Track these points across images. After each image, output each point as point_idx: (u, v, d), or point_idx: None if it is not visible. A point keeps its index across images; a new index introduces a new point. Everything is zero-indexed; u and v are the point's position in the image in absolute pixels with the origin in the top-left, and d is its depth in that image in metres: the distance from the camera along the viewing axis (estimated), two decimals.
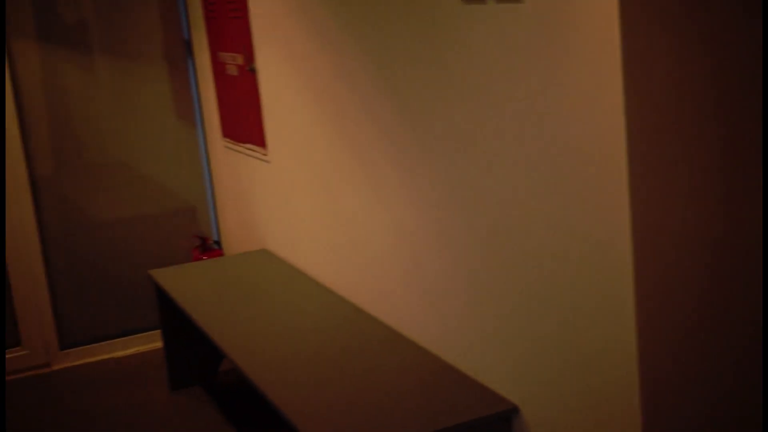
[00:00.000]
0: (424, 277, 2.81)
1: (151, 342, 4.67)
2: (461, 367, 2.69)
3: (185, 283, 3.85)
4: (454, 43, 2.39)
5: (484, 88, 2.30)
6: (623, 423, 2.02)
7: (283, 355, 2.97)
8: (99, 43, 4.55)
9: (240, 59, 4.05)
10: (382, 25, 2.77)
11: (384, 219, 3.00)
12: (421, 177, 2.71)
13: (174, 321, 4.02)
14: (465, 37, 2.33)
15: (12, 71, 4.33)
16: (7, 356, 4.46)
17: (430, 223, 2.71)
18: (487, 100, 2.29)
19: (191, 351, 4.10)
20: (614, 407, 2.04)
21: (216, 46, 4.33)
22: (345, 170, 3.23)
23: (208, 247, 4.64)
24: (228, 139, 4.44)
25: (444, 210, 2.61)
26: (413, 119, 2.69)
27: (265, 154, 4.00)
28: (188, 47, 4.70)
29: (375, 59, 2.85)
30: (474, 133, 2.38)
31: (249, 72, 3.97)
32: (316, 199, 3.55)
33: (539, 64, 2.06)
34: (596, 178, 1.95)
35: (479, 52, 2.29)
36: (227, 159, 4.53)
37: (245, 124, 4.16)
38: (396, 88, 2.75)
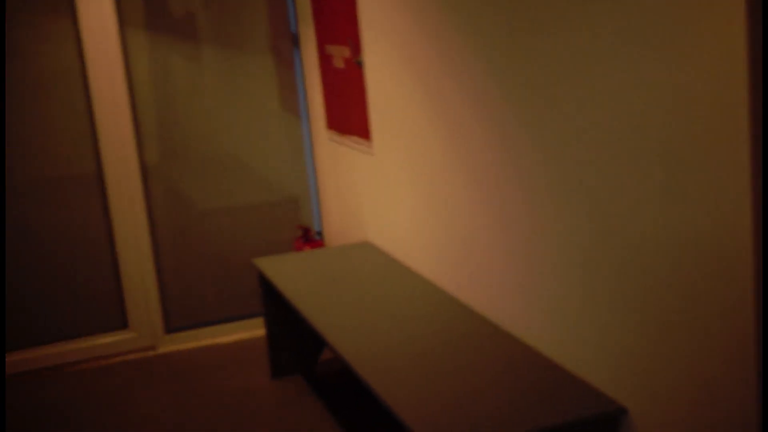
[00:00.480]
0: (533, 275, 2.78)
1: (254, 329, 4.76)
2: (567, 365, 2.66)
3: (289, 272, 3.91)
4: (567, 34, 2.36)
5: (600, 78, 2.26)
6: (741, 427, 1.97)
7: (387, 346, 2.99)
8: (207, 35, 4.64)
9: (347, 52, 4.08)
10: (493, 17, 2.75)
11: (490, 215, 2.99)
12: (532, 173, 2.68)
13: (277, 309, 4.09)
14: (579, 26, 2.30)
15: (126, 62, 4.45)
16: (114, 338, 4.59)
17: (541, 220, 2.69)
18: (603, 90, 2.26)
19: (293, 340, 4.16)
20: (731, 409, 1.99)
21: (323, 39, 4.37)
22: (450, 165, 3.22)
23: (311, 238, 4.70)
24: (332, 131, 4.48)
25: (555, 207, 2.59)
26: (524, 115, 2.66)
27: (369, 147, 4.02)
28: (295, 40, 4.75)
29: (486, 54, 2.84)
30: (585, 127, 2.35)
31: (356, 65, 3.99)
32: (419, 193, 3.55)
33: (663, 55, 2.02)
34: (717, 176, 1.90)
35: (596, 41, 2.25)
36: (331, 151, 4.57)
37: (350, 116, 4.19)
38: (507, 84, 2.73)
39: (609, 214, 2.31)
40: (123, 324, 4.64)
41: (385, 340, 3.05)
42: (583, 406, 2.42)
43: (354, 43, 3.97)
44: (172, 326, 4.72)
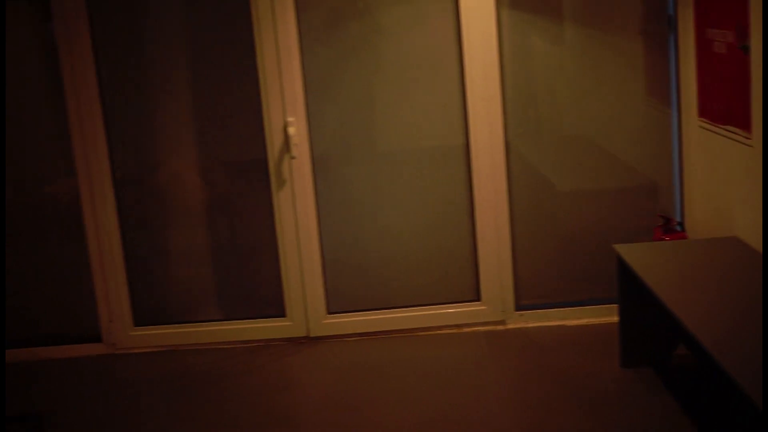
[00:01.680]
0: None
1: (605, 315, 4.69)
2: None
3: (651, 261, 3.81)
4: None
5: None
6: None
7: (758, 346, 2.83)
8: (577, 14, 4.62)
9: (730, 36, 3.88)
10: None
11: None
12: None
13: (633, 297, 4.00)
14: None
15: (499, 40, 4.53)
16: (466, 309, 4.74)
17: None
18: None
19: (648, 330, 4.06)
20: None
21: (704, 22, 4.19)
22: None
23: (672, 228, 4.55)
24: (704, 120, 4.29)
25: None
26: None
27: (747, 138, 3.80)
28: (671, 22, 4.59)
29: None
30: None
31: (740, 50, 3.79)
32: None
33: None
34: None
35: None
36: (701, 139, 4.38)
37: (728, 105, 3.99)
38: None
39: None
40: (476, 296, 4.77)
41: (758, 341, 2.88)
42: None
43: (741, 27, 3.76)
44: (521, 303, 4.78)
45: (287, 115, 4.57)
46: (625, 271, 3.98)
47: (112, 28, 4.62)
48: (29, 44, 4.75)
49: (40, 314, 4.93)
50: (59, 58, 4.56)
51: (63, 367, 4.69)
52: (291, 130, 4.55)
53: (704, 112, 4.29)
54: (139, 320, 4.84)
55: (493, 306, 4.75)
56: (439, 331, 4.74)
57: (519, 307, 4.78)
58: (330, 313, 4.78)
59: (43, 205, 4.88)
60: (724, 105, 4.04)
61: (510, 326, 4.76)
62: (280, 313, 4.78)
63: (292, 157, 4.58)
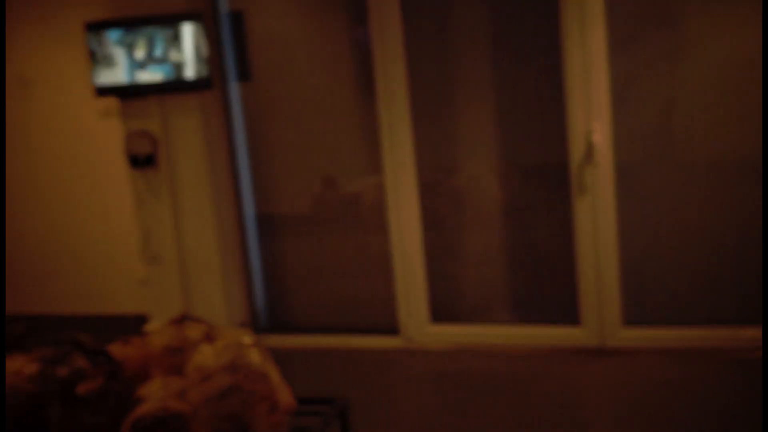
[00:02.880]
0: None
1: None
2: None
3: None
4: None
5: None
6: None
7: None
8: None
9: None
10: None
11: None
12: None
13: None
14: None
15: None
16: None
17: None
18: None
19: None
20: None
21: None
22: None
23: None
24: None
25: None
26: None
27: None
28: None
29: None
30: None
31: None
32: None
33: None
34: None
35: None
36: None
37: None
38: None
39: None
40: None
41: None
42: None
43: None
44: None
45: (591, 121, 4.51)
46: None
47: (422, 33, 4.78)
48: (342, 47, 5.02)
49: (342, 304, 5.20)
50: (372, 60, 4.78)
51: (360, 356, 4.91)
52: (595, 137, 4.49)
53: None
54: (436, 317, 4.97)
55: None
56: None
57: None
58: (627, 324, 4.65)
59: (350, 200, 5.13)
60: None
61: None
62: (574, 320, 4.73)
63: (594, 165, 4.52)
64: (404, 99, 4.77)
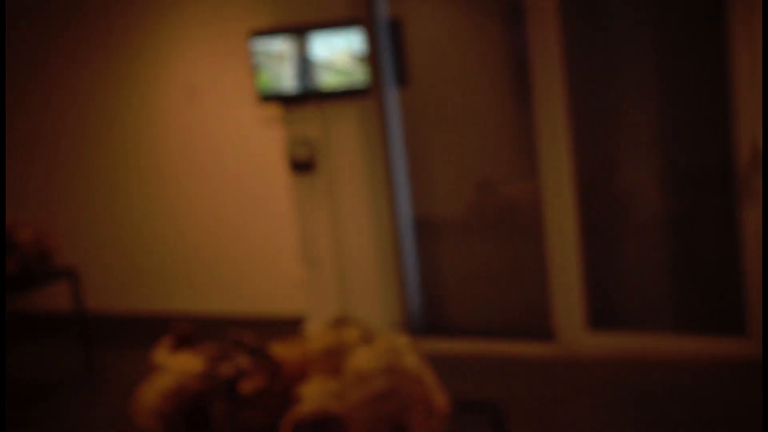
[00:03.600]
0: None
1: None
2: None
3: None
4: None
5: None
6: None
7: None
8: None
9: None
10: None
11: None
12: None
13: None
14: None
15: None
16: None
17: None
18: None
19: None
20: None
21: None
22: None
23: None
24: None
25: None
26: None
27: None
28: None
29: None
30: None
31: None
32: None
33: None
34: None
35: None
36: None
37: None
38: None
39: None
40: None
41: None
42: None
43: None
44: None
45: (756, 125, 4.32)
46: None
47: (579, 33, 4.70)
48: (498, 50, 5.00)
49: (496, 308, 5.17)
50: (529, 62, 4.74)
51: (514, 362, 4.87)
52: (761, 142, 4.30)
53: None
54: (592, 323, 4.88)
55: None
56: None
57: None
58: None
59: (506, 204, 5.11)
60: None
61: None
62: (740, 330, 4.54)
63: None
64: (561, 101, 4.71)
